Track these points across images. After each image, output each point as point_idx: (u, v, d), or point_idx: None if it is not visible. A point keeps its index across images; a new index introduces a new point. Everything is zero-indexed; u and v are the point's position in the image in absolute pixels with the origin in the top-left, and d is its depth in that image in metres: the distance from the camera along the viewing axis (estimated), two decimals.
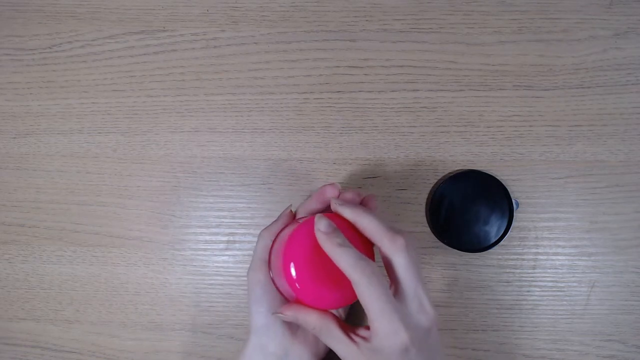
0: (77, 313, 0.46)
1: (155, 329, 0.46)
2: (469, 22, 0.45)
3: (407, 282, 0.32)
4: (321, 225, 0.33)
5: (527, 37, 0.45)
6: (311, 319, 0.33)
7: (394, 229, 0.33)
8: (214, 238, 0.46)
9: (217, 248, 0.46)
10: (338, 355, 0.33)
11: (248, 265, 0.39)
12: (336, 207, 0.35)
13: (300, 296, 0.34)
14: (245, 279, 0.45)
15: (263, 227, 0.40)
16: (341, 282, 0.33)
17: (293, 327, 0.37)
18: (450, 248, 0.43)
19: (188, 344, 0.46)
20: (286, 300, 0.37)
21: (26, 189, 0.47)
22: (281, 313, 0.35)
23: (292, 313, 0.34)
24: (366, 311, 0.31)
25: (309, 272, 0.33)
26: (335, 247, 0.32)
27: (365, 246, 0.35)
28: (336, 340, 0.33)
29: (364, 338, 0.32)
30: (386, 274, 0.34)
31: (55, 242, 0.47)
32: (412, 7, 0.45)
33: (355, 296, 0.33)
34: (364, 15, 0.46)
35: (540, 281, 0.44)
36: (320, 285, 0.33)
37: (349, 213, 0.35)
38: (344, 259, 0.32)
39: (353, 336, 0.33)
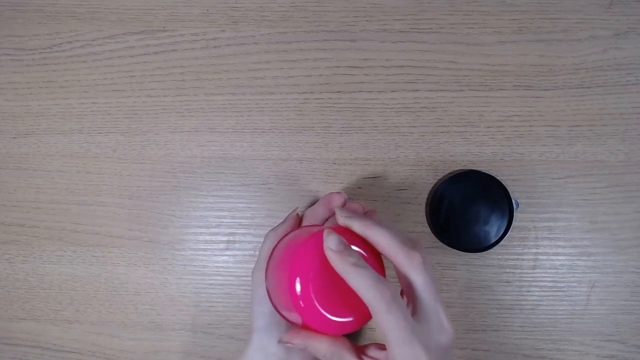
0: (77, 313, 0.46)
1: (155, 329, 0.46)
2: (469, 22, 0.45)
3: (426, 301, 0.30)
4: (331, 242, 0.30)
5: (527, 37, 0.45)
6: (322, 347, 0.31)
7: (408, 243, 0.31)
8: (214, 238, 0.46)
9: (217, 248, 0.46)
10: None
11: (248, 265, 0.39)
12: (344, 220, 0.33)
13: (304, 318, 0.31)
14: (246, 279, 0.45)
15: (267, 228, 0.40)
16: (351, 304, 0.30)
17: None
18: (450, 248, 0.43)
19: (188, 344, 0.46)
20: (278, 313, 0.35)
21: (26, 189, 0.47)
22: (289, 342, 0.32)
23: (302, 341, 0.32)
24: (384, 337, 0.29)
25: (317, 293, 0.30)
26: (349, 267, 0.29)
27: (374, 260, 0.32)
28: None
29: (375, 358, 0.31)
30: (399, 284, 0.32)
31: (55, 242, 0.47)
32: (412, 7, 0.45)
33: (365, 321, 0.31)
34: (364, 15, 0.46)
35: (540, 281, 0.44)
36: (328, 307, 0.31)
37: (358, 226, 0.32)
38: (360, 281, 0.29)
39: (366, 359, 0.31)
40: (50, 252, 0.47)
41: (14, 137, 0.47)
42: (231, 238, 0.46)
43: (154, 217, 0.46)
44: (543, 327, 0.44)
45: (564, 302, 0.44)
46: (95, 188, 0.47)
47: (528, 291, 0.44)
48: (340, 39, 0.46)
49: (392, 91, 0.45)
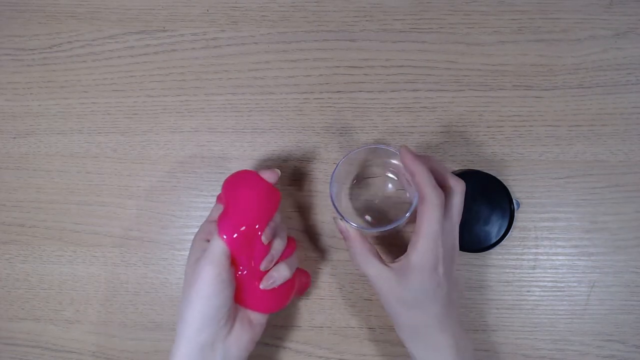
0: (77, 313, 0.46)
1: (155, 329, 0.46)
2: (469, 22, 0.45)
3: (454, 219, 0.36)
4: (409, 149, 0.37)
5: (527, 37, 0.45)
6: (357, 240, 0.38)
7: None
8: None
9: None
10: (369, 278, 0.37)
11: None
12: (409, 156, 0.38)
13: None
14: None
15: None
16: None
17: (232, 317, 0.36)
18: None
19: None
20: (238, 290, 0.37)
21: (26, 189, 0.47)
22: (344, 222, 0.39)
23: (352, 231, 0.39)
24: (418, 226, 0.35)
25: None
26: (422, 168, 0.35)
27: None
28: (371, 264, 0.37)
29: (396, 262, 0.37)
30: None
31: (55, 242, 0.47)
32: (412, 7, 0.45)
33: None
34: (364, 15, 0.46)
35: (540, 281, 0.44)
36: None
37: (425, 160, 0.38)
38: (426, 178, 0.35)
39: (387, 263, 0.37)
40: (50, 252, 0.47)
41: (14, 137, 0.47)
42: None
43: (154, 217, 0.46)
44: (543, 327, 0.44)
45: (564, 302, 0.44)
46: (95, 188, 0.47)
47: (528, 291, 0.44)
48: (340, 39, 0.46)
49: (392, 91, 0.45)
